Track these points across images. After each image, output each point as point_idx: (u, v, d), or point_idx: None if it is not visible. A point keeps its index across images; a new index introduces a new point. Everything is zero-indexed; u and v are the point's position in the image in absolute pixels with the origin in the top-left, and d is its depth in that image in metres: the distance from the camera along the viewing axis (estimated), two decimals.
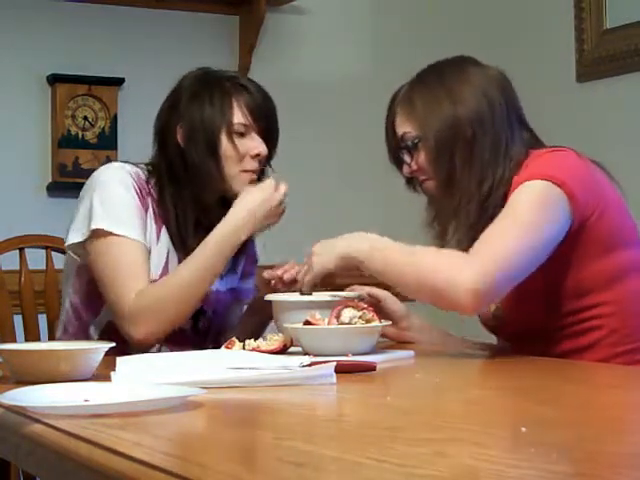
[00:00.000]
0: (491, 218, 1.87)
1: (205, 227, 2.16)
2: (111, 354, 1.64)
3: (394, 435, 1.13)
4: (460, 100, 1.94)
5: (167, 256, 2.16)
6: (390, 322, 2.00)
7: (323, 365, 1.53)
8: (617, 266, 1.90)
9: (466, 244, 1.88)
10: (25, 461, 1.32)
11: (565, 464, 0.96)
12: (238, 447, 1.09)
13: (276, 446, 1.08)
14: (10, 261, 2.57)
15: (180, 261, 2.15)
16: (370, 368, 1.65)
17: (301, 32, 3.69)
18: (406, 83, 2.04)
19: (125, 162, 2.22)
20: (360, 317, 1.84)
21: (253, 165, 2.14)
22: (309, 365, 1.57)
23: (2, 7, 3.24)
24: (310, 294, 1.96)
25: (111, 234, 2.06)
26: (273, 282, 2.10)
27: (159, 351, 2.09)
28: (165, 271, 2.14)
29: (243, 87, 2.14)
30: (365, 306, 1.86)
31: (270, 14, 3.57)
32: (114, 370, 1.57)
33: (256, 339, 1.88)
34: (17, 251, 2.58)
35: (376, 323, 1.84)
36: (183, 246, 2.15)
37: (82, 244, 2.11)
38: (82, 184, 2.18)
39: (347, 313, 1.84)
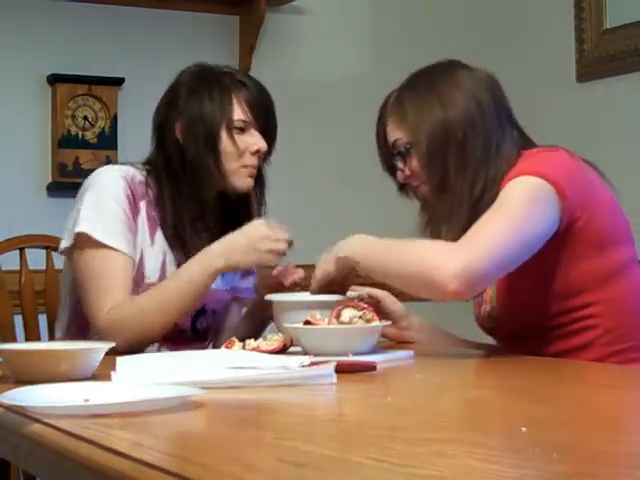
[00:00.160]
0: None
1: (204, 224, 2.16)
2: (111, 354, 1.64)
3: (394, 435, 1.13)
4: (450, 103, 1.94)
5: (164, 257, 2.16)
6: (390, 322, 2.00)
7: (323, 365, 1.53)
8: (610, 265, 1.91)
9: None
10: (25, 461, 1.31)
11: (565, 464, 0.96)
12: (238, 447, 1.09)
13: (276, 446, 1.08)
14: (10, 261, 2.57)
15: (178, 261, 2.15)
16: (370, 368, 1.65)
17: (301, 32, 3.69)
18: (395, 90, 2.04)
19: (123, 163, 2.22)
20: (360, 317, 1.84)
21: (253, 161, 2.14)
22: (309, 365, 1.57)
23: (2, 7, 3.24)
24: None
25: (93, 241, 2.06)
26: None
27: (158, 351, 2.10)
28: (163, 272, 2.14)
29: (242, 83, 2.15)
30: (365, 306, 1.86)
31: (270, 14, 3.57)
32: (114, 370, 1.57)
33: (256, 339, 1.88)
34: (17, 251, 2.58)
35: (376, 323, 1.84)
36: (181, 244, 2.15)
37: (71, 249, 2.12)
38: (82, 184, 2.18)
39: (347, 313, 1.84)
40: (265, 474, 0.94)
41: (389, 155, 2.03)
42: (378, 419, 1.28)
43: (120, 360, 1.67)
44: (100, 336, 2.01)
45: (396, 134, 2.00)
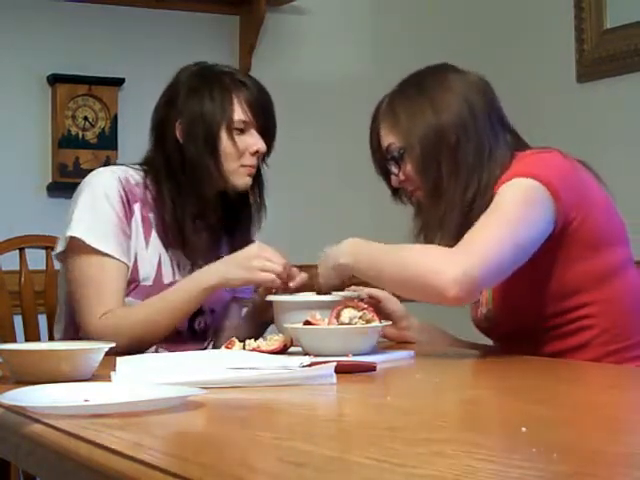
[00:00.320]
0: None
1: (205, 223, 2.17)
2: (111, 354, 1.64)
3: (394, 435, 1.13)
4: (442, 108, 1.95)
5: (159, 259, 2.16)
6: (390, 322, 2.00)
7: (323, 365, 1.53)
8: (605, 266, 1.91)
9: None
10: (25, 461, 1.31)
11: (565, 464, 0.96)
12: (238, 447, 1.09)
13: (276, 446, 1.08)
14: (10, 261, 2.57)
15: (176, 261, 2.15)
16: (370, 368, 1.65)
17: (301, 32, 3.69)
18: (387, 95, 2.04)
19: (120, 164, 2.22)
20: (360, 317, 1.84)
21: (252, 161, 2.15)
22: (309, 365, 1.57)
23: (2, 7, 3.24)
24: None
25: (85, 246, 2.06)
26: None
27: (156, 352, 2.10)
28: (158, 274, 2.14)
29: (242, 83, 2.15)
30: (365, 306, 1.86)
31: (270, 14, 3.57)
32: (114, 370, 1.57)
33: (256, 339, 1.88)
34: (17, 251, 2.58)
35: (376, 323, 1.85)
36: (182, 243, 2.15)
37: (64, 253, 2.12)
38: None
39: (347, 313, 1.84)
40: (265, 474, 0.94)
41: (383, 160, 2.04)
42: (378, 419, 1.28)
43: (120, 360, 1.67)
44: (91, 340, 2.01)
45: (389, 139, 2.00)
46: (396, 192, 2.09)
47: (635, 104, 3.28)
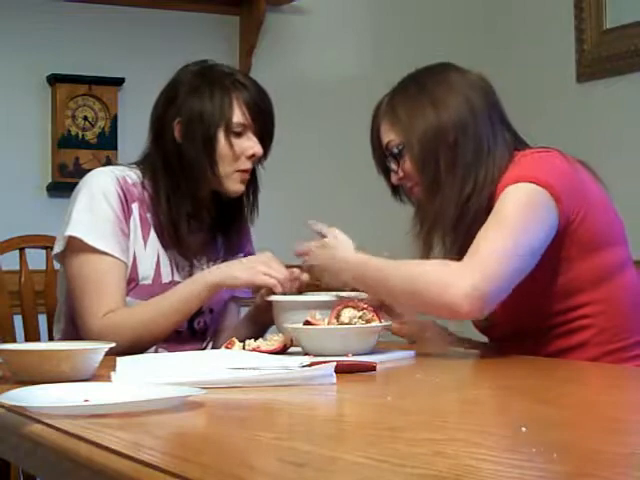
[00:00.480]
0: (472, 222, 1.89)
1: (199, 223, 2.17)
2: (111, 354, 1.64)
3: (394, 435, 1.13)
4: (442, 106, 1.95)
5: (157, 258, 2.16)
6: (390, 322, 2.00)
7: (323, 365, 1.53)
8: (604, 265, 1.91)
9: (452, 254, 1.92)
10: (25, 461, 1.32)
11: (565, 464, 0.96)
12: (238, 447, 1.09)
13: (276, 446, 1.08)
14: (10, 261, 2.57)
15: (174, 260, 2.15)
16: (370, 368, 1.65)
17: (301, 32, 3.69)
18: (388, 93, 2.05)
19: (117, 164, 2.22)
20: (360, 317, 1.84)
21: (247, 165, 2.14)
22: (309, 365, 1.57)
23: (2, 7, 3.24)
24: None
25: (84, 245, 2.06)
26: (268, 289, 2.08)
27: (155, 352, 2.10)
28: (157, 274, 2.15)
29: (243, 85, 2.14)
30: (365, 306, 1.86)
31: (270, 14, 3.57)
32: (114, 370, 1.57)
33: (256, 339, 1.88)
34: (17, 251, 2.58)
35: (376, 323, 1.85)
36: (177, 242, 2.15)
37: (63, 253, 2.12)
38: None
39: (347, 313, 1.84)
40: (265, 474, 0.94)
41: (383, 157, 2.04)
42: (378, 419, 1.28)
43: (120, 360, 1.67)
44: (91, 339, 2.01)
45: (389, 136, 2.01)
46: (396, 191, 2.09)
47: (635, 104, 3.28)
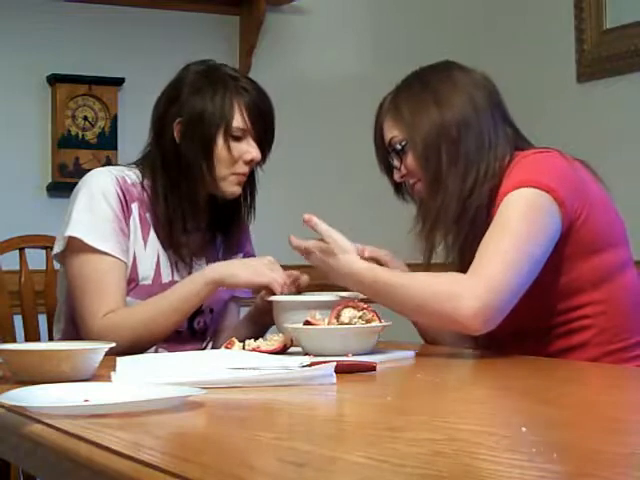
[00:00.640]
0: (473, 219, 1.89)
1: (196, 224, 2.17)
2: (111, 354, 1.64)
3: (394, 435, 1.13)
4: (446, 104, 1.95)
5: (157, 258, 2.16)
6: (390, 323, 2.00)
7: (323, 365, 1.53)
8: (605, 266, 1.91)
9: (454, 253, 1.93)
10: (25, 461, 1.32)
11: (566, 464, 0.96)
12: (238, 447, 1.09)
13: (276, 446, 1.08)
14: (10, 261, 2.57)
15: (173, 260, 2.15)
16: (370, 368, 1.65)
17: (301, 32, 3.69)
18: (391, 91, 2.05)
19: (116, 165, 2.22)
20: (360, 317, 1.84)
21: (244, 169, 2.14)
22: (309, 365, 1.57)
23: (2, 7, 3.24)
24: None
25: (84, 245, 2.06)
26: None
27: (155, 352, 2.10)
28: (157, 274, 2.15)
29: (245, 90, 2.14)
30: (365, 306, 1.87)
31: (270, 14, 3.57)
32: (114, 370, 1.57)
33: (256, 339, 1.88)
34: (17, 251, 2.58)
35: (376, 323, 1.85)
36: (171, 241, 2.15)
37: (63, 253, 2.12)
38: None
39: (347, 313, 1.84)
40: (265, 474, 0.94)
41: (386, 155, 2.04)
42: (378, 419, 1.28)
43: (120, 360, 1.67)
44: (91, 339, 2.01)
45: (392, 132, 2.01)
46: (398, 189, 2.10)
47: (635, 104, 3.28)
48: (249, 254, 2.30)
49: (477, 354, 2.02)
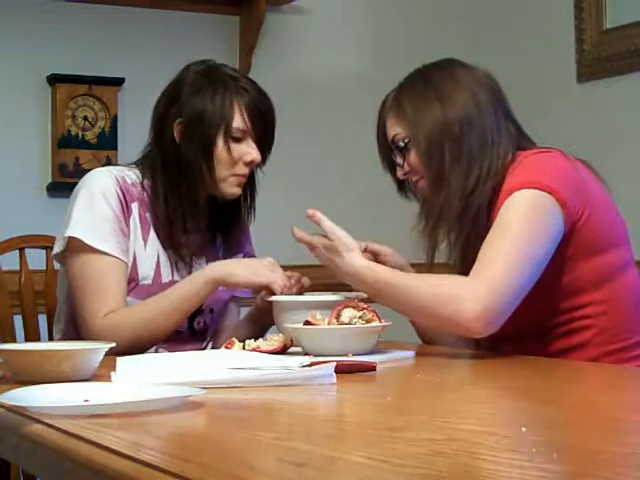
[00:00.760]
0: (475, 217, 1.89)
1: (196, 224, 2.17)
2: (111, 354, 1.64)
3: (394, 435, 1.13)
4: (449, 102, 1.96)
5: (157, 258, 2.16)
6: (390, 323, 2.00)
7: (323, 365, 1.53)
8: (607, 266, 1.91)
9: (456, 251, 1.93)
10: (25, 461, 1.32)
11: (566, 464, 0.96)
12: (238, 447, 1.09)
13: (276, 446, 1.08)
14: (10, 261, 2.57)
15: (173, 261, 2.16)
16: (370, 368, 1.65)
17: (301, 32, 3.69)
18: (394, 89, 2.05)
19: (116, 165, 2.22)
20: (360, 317, 1.84)
21: (244, 170, 2.14)
22: (309, 365, 1.57)
23: (2, 7, 3.24)
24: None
25: (84, 245, 2.06)
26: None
27: (156, 352, 2.10)
28: (157, 274, 2.15)
29: (246, 91, 2.13)
30: (365, 306, 1.87)
31: (270, 14, 3.57)
32: (114, 370, 1.57)
33: (256, 339, 1.88)
34: (17, 251, 2.58)
35: (376, 323, 1.85)
36: (171, 241, 2.15)
37: (63, 253, 2.12)
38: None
39: (347, 313, 1.84)
40: (265, 474, 0.94)
41: (388, 152, 2.05)
42: (378, 419, 1.28)
43: (120, 360, 1.67)
44: (92, 339, 2.01)
45: (395, 129, 2.01)
46: (402, 187, 2.10)
47: (635, 104, 3.28)
48: (249, 254, 2.30)
49: (477, 354, 2.02)
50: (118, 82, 3.34)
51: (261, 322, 2.19)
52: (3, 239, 2.61)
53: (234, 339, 1.88)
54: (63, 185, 3.19)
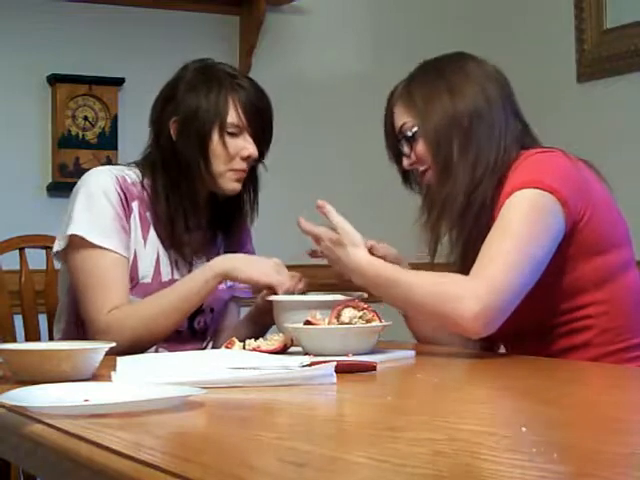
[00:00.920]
0: (478, 214, 1.90)
1: (197, 222, 2.17)
2: (111, 354, 1.64)
3: (394, 435, 1.13)
4: (459, 93, 1.96)
5: (157, 257, 2.16)
6: (391, 323, 2.00)
7: (323, 365, 1.53)
8: (609, 266, 1.91)
9: (457, 248, 1.93)
10: (25, 461, 1.32)
11: (566, 464, 0.96)
12: (238, 447, 1.09)
13: (276, 446, 1.08)
14: (10, 261, 2.57)
15: (173, 259, 2.16)
16: (370, 368, 1.65)
17: (301, 32, 3.69)
18: (404, 79, 2.05)
19: (115, 164, 2.22)
20: (360, 317, 1.84)
21: (242, 165, 2.14)
22: (309, 365, 1.57)
23: (2, 7, 3.24)
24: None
25: (87, 242, 2.06)
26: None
27: (156, 352, 2.10)
28: (157, 272, 2.15)
29: (241, 87, 2.14)
30: (365, 306, 1.86)
31: (270, 14, 3.57)
32: (114, 370, 1.57)
33: (256, 339, 1.88)
34: (17, 251, 2.58)
35: (376, 323, 1.84)
36: (175, 241, 2.15)
37: (65, 251, 2.12)
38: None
39: (347, 313, 1.84)
40: (265, 474, 0.94)
41: (395, 142, 2.04)
42: (378, 419, 1.28)
43: (120, 360, 1.67)
44: (99, 336, 2.01)
45: (403, 118, 2.01)
46: (406, 178, 2.09)
47: (635, 104, 3.28)
48: (250, 253, 2.30)
49: (477, 354, 2.03)
50: (118, 82, 3.34)
51: (261, 322, 2.19)
52: (3, 239, 2.61)
53: (234, 339, 1.88)
54: (63, 185, 3.19)
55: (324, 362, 1.55)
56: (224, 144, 2.11)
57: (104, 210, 2.09)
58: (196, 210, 2.16)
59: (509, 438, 1.12)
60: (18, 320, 2.54)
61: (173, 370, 1.60)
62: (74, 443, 1.11)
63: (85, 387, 1.38)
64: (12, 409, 1.28)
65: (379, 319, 1.86)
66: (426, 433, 1.14)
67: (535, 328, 1.93)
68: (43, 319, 2.55)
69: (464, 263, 1.90)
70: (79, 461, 1.08)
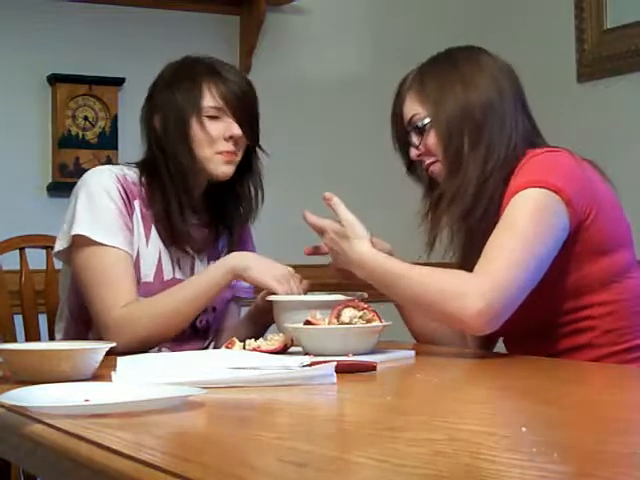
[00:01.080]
0: (486, 206, 1.90)
1: (196, 217, 2.17)
2: (111, 354, 1.64)
3: (394, 435, 1.13)
4: (472, 85, 1.95)
5: (159, 255, 2.16)
6: (391, 322, 2.00)
7: (323, 365, 1.53)
8: (613, 267, 1.91)
9: (458, 243, 1.93)
10: (25, 461, 1.32)
11: (566, 464, 0.96)
12: (238, 447, 1.09)
13: (276, 446, 1.08)
14: (10, 261, 2.57)
15: (175, 257, 2.16)
16: (370, 368, 1.65)
17: (301, 32, 3.69)
18: (415, 68, 2.04)
19: (115, 164, 2.23)
20: (360, 317, 1.84)
21: (227, 147, 2.13)
22: (309, 365, 1.57)
23: (2, 7, 3.24)
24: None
25: (92, 242, 2.06)
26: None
27: (158, 351, 2.10)
28: (159, 270, 2.15)
29: (215, 72, 2.14)
30: (365, 306, 1.86)
31: (270, 14, 3.57)
32: (114, 370, 1.57)
33: (257, 339, 1.88)
34: (17, 251, 2.58)
35: (376, 323, 1.84)
36: (175, 237, 2.15)
37: (67, 251, 2.12)
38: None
39: (347, 313, 1.84)
40: (265, 474, 0.94)
41: (403, 132, 2.03)
42: (378, 419, 1.28)
43: (120, 360, 1.67)
44: (111, 333, 2.00)
45: (415, 108, 2.00)
46: (411, 169, 2.08)
47: (635, 104, 3.28)
48: (250, 252, 2.30)
49: (477, 354, 2.03)
50: (118, 82, 3.34)
51: (261, 322, 2.19)
52: (3, 239, 2.61)
53: (234, 339, 1.88)
54: (63, 185, 3.19)
55: (324, 362, 1.55)
56: (204, 128, 2.12)
57: (106, 208, 2.09)
58: (191, 200, 2.16)
59: (509, 438, 1.12)
60: (18, 320, 2.54)
61: (173, 370, 1.60)
62: (74, 443, 1.11)
63: (85, 387, 1.38)
64: (12, 409, 1.28)
65: (379, 319, 1.86)
66: (426, 433, 1.14)
67: (538, 327, 1.93)
68: (43, 319, 2.55)
69: (467, 260, 1.90)
70: (79, 461, 1.08)
